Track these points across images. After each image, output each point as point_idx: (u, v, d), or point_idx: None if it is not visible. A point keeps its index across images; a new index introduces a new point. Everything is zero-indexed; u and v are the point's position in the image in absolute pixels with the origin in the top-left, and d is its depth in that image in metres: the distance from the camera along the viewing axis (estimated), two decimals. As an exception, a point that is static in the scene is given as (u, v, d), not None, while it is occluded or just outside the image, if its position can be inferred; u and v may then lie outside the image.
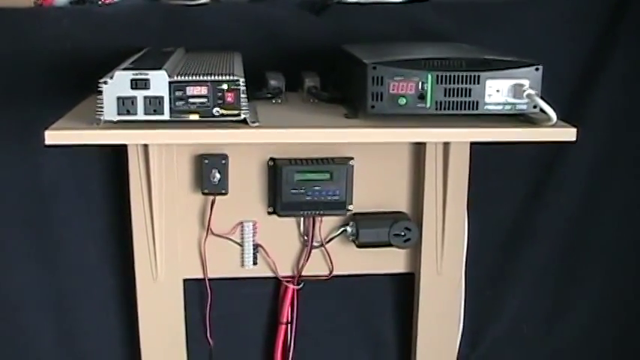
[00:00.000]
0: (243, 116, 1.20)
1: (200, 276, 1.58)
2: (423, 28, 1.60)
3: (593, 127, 1.69)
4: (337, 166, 1.51)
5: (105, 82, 1.17)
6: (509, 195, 1.73)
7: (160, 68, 1.18)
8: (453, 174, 1.55)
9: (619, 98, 1.70)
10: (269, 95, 1.45)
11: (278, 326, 1.65)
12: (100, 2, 1.58)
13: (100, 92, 1.17)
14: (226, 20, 1.57)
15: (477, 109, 1.25)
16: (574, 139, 1.27)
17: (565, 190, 1.73)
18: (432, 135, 1.33)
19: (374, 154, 1.54)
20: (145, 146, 1.47)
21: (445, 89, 1.24)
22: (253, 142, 1.40)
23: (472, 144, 1.54)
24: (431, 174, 1.55)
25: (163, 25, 1.56)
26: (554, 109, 1.24)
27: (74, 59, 1.53)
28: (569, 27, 1.66)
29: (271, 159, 1.52)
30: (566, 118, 1.32)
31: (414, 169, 1.57)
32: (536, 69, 1.25)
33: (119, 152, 1.51)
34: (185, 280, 1.59)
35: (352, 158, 1.52)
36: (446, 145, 1.53)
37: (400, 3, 1.61)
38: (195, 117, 1.20)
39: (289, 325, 1.65)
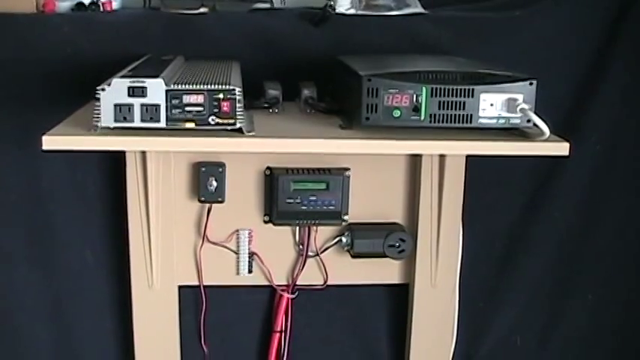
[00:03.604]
0: (238, 125, 1.22)
1: (195, 283, 1.58)
2: (420, 40, 1.61)
3: (589, 139, 1.71)
4: (333, 177, 1.52)
5: (102, 89, 1.19)
6: (504, 207, 1.73)
7: (157, 76, 1.20)
8: (448, 186, 1.56)
9: (616, 111, 1.71)
10: (266, 105, 1.46)
11: (272, 334, 1.66)
12: (101, 10, 1.60)
13: (98, 99, 1.19)
14: (226, 30, 1.58)
15: (470, 122, 1.26)
16: (567, 153, 1.28)
17: (561, 202, 1.74)
18: (426, 147, 1.34)
19: (370, 165, 1.55)
20: (143, 153, 1.48)
21: (439, 102, 1.25)
22: (248, 151, 1.41)
23: (468, 156, 1.55)
24: (426, 186, 1.56)
25: (163, 33, 1.57)
26: (548, 124, 1.25)
27: (75, 65, 1.55)
28: (567, 41, 1.68)
29: (268, 168, 1.53)
30: (563, 131, 1.33)
31: (409, 181, 1.58)
32: (530, 83, 1.26)
33: (117, 159, 1.52)
34: (180, 287, 1.59)
35: (348, 169, 1.53)
36: (442, 157, 1.54)
37: (398, 15, 1.62)
38: (191, 125, 1.21)
39: (283, 333, 1.65)
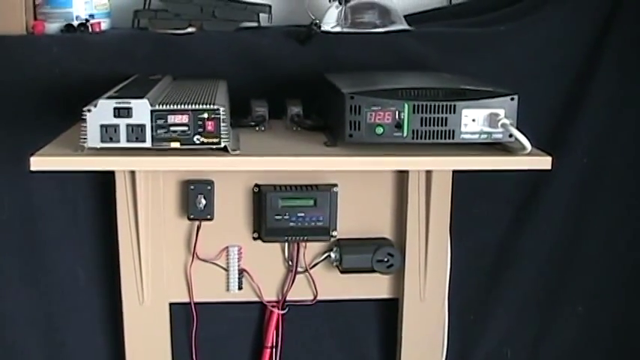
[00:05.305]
0: (223, 144, 1.23)
1: (186, 300, 1.59)
2: (406, 57, 1.62)
3: (576, 152, 1.71)
4: (321, 193, 1.53)
5: (89, 110, 1.20)
6: (492, 219, 1.74)
7: (142, 97, 1.21)
8: (435, 200, 1.57)
9: (602, 124, 1.72)
10: (253, 123, 1.47)
11: (263, 350, 1.67)
12: (90, 31, 1.61)
13: (84, 120, 1.20)
14: (213, 49, 1.60)
15: (453, 138, 1.27)
16: (549, 167, 1.30)
17: (548, 214, 1.74)
18: (410, 163, 1.36)
19: (357, 181, 1.56)
20: (132, 172, 1.49)
21: (422, 118, 1.26)
22: (234, 170, 1.42)
23: (454, 171, 1.56)
24: (414, 200, 1.57)
25: (151, 53, 1.59)
26: (529, 138, 1.26)
27: (64, 86, 1.56)
28: (553, 55, 1.68)
29: (256, 185, 1.54)
30: (549, 144, 1.34)
31: (397, 196, 1.59)
32: (512, 99, 1.28)
33: (107, 178, 1.53)
34: (171, 304, 1.60)
35: (336, 185, 1.54)
36: (428, 172, 1.55)
37: (383, 33, 1.64)
38: (176, 145, 1.22)
39: (274, 349, 1.66)
